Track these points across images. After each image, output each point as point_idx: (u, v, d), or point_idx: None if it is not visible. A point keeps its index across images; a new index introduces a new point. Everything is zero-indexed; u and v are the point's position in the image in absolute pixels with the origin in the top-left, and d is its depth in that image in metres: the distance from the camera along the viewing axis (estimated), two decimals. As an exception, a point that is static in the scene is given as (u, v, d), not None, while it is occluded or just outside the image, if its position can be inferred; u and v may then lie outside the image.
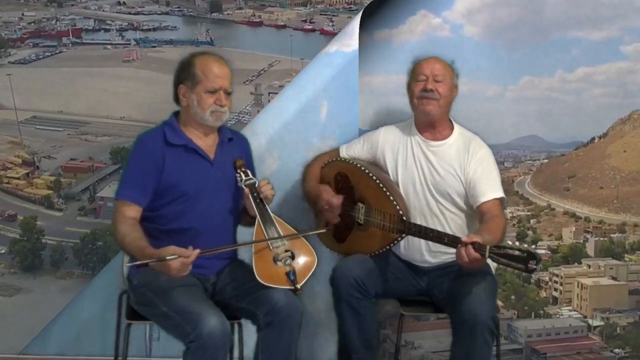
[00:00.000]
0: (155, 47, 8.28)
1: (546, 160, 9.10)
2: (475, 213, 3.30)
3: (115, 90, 7.94)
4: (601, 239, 8.75)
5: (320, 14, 8.78)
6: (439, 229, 3.23)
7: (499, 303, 8.58)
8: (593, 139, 9.21)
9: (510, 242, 3.02)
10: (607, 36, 6.61)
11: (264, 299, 3.08)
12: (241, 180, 3.22)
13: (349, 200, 3.52)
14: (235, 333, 3.13)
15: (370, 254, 3.44)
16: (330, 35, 9.41)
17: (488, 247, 2.88)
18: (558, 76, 7.40)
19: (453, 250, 3.11)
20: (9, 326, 6.15)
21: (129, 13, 8.39)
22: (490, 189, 3.30)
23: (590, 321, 8.30)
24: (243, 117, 7.64)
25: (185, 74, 3.26)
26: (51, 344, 4.69)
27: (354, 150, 3.62)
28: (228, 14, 7.80)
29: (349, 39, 4.71)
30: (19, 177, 7.39)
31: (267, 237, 3.12)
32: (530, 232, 8.83)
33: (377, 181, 3.40)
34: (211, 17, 8.07)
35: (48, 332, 4.69)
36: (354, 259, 3.43)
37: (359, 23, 4.72)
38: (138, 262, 2.89)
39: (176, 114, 3.33)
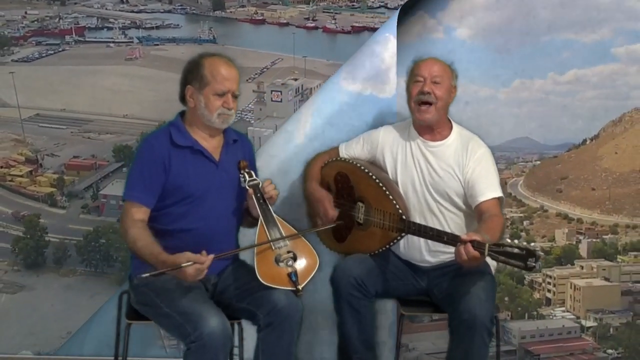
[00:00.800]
0: (157, 45, 8.28)
1: (538, 162, 9.13)
2: (474, 212, 3.31)
3: (118, 89, 7.93)
4: (594, 240, 8.78)
5: (323, 12, 8.78)
6: (438, 228, 3.24)
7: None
8: (585, 140, 9.24)
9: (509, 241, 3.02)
10: (599, 38, 6.63)
11: (265, 300, 3.08)
12: (245, 180, 3.22)
13: (349, 200, 3.53)
14: (235, 333, 3.12)
15: (370, 254, 3.44)
16: (332, 33, 9.41)
17: (487, 245, 2.89)
18: (550, 78, 7.42)
19: (452, 249, 3.12)
20: (12, 323, 6.13)
21: (132, 11, 8.38)
22: (489, 189, 3.31)
23: (583, 322, 8.33)
24: (245, 114, 7.64)
25: (193, 75, 3.24)
26: (87, 344, 4.67)
27: (354, 150, 3.63)
28: (231, 11, 7.79)
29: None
30: (22, 174, 7.40)
31: (269, 238, 3.12)
32: (523, 234, 8.87)
33: (377, 180, 3.41)
34: (214, 15, 8.06)
35: (84, 333, 4.67)
36: (354, 258, 3.43)
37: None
38: (155, 272, 2.88)
39: (181, 114, 3.32)
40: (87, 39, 8.25)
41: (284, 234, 3.15)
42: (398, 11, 4.42)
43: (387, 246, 3.39)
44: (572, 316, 8.49)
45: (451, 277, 3.26)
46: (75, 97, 7.85)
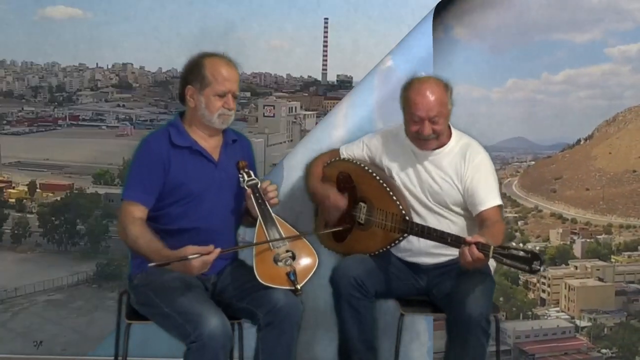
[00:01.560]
0: (150, 128, 8.37)
1: (533, 162, 9.17)
2: (475, 220, 3.32)
3: (105, 149, 8.02)
4: (588, 240, 8.81)
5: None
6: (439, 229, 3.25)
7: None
8: (579, 140, 9.29)
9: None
10: (591, 39, 6.66)
11: (264, 299, 3.08)
12: (244, 180, 3.21)
13: (351, 200, 3.54)
14: (235, 333, 3.13)
15: (370, 254, 3.45)
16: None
17: (492, 247, 2.90)
18: (543, 78, 7.45)
19: (451, 251, 3.13)
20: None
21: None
22: (489, 197, 3.30)
23: (577, 322, 8.35)
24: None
25: (193, 75, 3.23)
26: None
27: (354, 152, 3.63)
28: None
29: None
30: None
31: (268, 238, 3.13)
32: (517, 234, 8.89)
33: (380, 181, 3.41)
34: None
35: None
36: (354, 258, 3.43)
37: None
38: (160, 262, 2.88)
39: (180, 115, 3.33)
40: (80, 123, 8.39)
41: (282, 234, 3.14)
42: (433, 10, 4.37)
43: (388, 247, 3.39)
44: (567, 316, 8.51)
45: (450, 277, 3.26)
46: (62, 153, 7.94)
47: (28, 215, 7.56)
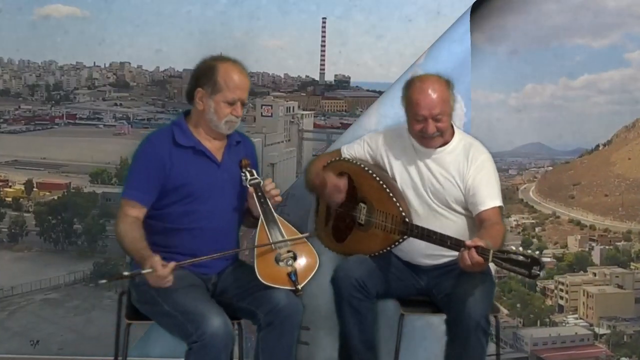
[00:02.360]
0: (147, 127, 8.39)
1: (550, 168, 9.07)
2: (475, 220, 3.24)
3: (105, 149, 8.05)
4: (607, 247, 8.71)
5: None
6: (440, 232, 3.17)
7: (504, 311, 8.54)
8: (597, 146, 9.19)
9: (514, 247, 2.94)
10: (610, 43, 6.55)
11: (265, 299, 3.03)
12: (246, 179, 3.16)
13: (351, 200, 3.47)
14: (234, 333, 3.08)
15: (371, 255, 3.38)
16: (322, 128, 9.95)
17: (492, 251, 2.83)
18: (562, 83, 7.37)
19: (451, 253, 3.05)
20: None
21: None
22: (489, 197, 3.22)
23: (596, 329, 8.25)
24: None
25: (206, 78, 3.18)
26: (153, 346, 4.63)
27: (355, 152, 3.56)
28: None
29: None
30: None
31: (270, 237, 3.07)
32: (535, 240, 8.79)
33: (380, 182, 3.34)
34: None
35: (151, 335, 4.62)
36: (355, 259, 3.36)
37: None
38: (113, 277, 2.90)
39: (185, 114, 3.29)
40: (77, 122, 8.42)
41: (284, 234, 3.08)
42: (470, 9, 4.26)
43: (389, 248, 3.31)
44: (585, 323, 8.41)
45: (450, 277, 3.18)
46: (59, 152, 7.96)
47: (25, 214, 7.57)
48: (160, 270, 2.81)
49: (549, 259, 8.41)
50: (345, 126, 9.99)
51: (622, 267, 8.66)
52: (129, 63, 8.89)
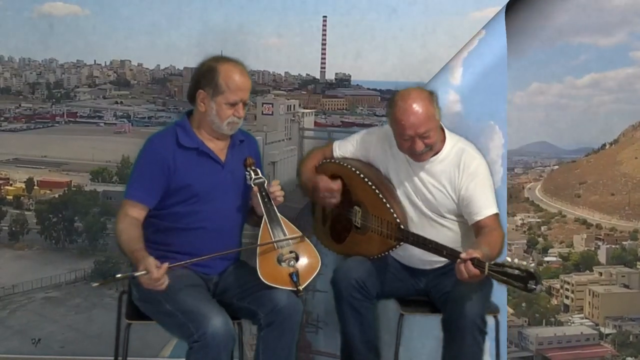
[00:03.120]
0: (148, 126, 8.38)
1: (556, 167, 9.04)
2: (472, 228, 3.20)
3: (105, 147, 8.05)
4: (613, 246, 8.67)
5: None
6: (435, 238, 3.14)
7: (510, 310, 8.50)
8: (604, 145, 9.15)
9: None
10: (616, 42, 6.50)
11: (266, 299, 3.01)
12: (250, 178, 3.14)
13: (346, 202, 3.43)
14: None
15: (370, 258, 3.35)
16: (322, 126, 9.96)
17: (487, 264, 2.79)
18: (567, 82, 7.33)
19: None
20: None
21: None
22: (484, 206, 3.16)
23: (602, 329, 8.21)
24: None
25: (207, 80, 3.15)
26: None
27: (347, 150, 3.50)
28: None
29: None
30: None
31: (272, 237, 3.06)
32: (540, 239, 8.76)
33: (373, 187, 3.29)
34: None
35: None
36: (354, 260, 3.33)
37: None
38: (106, 281, 2.87)
39: (187, 114, 3.26)
40: (78, 120, 8.42)
41: (287, 234, 3.06)
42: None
43: (386, 253, 3.29)
44: (591, 323, 8.37)
45: (448, 277, 3.15)
46: (59, 150, 7.97)
47: (26, 212, 7.56)
48: (155, 272, 2.78)
49: (554, 258, 8.40)
50: (346, 124, 9.98)
51: (628, 267, 8.62)
52: (130, 61, 8.90)
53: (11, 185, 7.69)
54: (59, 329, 6.71)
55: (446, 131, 3.25)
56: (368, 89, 10.43)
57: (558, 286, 8.51)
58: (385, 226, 3.20)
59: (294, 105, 9.24)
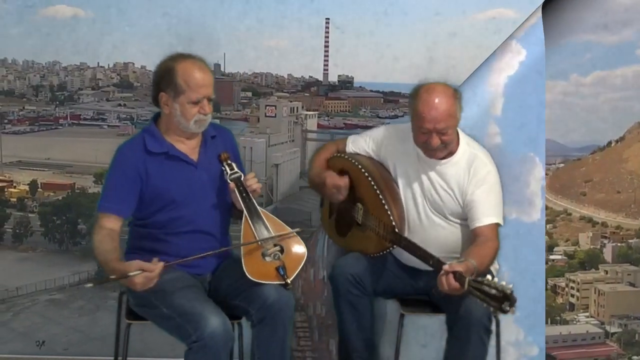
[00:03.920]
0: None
1: (562, 165, 9.04)
2: (471, 232, 3.22)
3: (109, 149, 8.10)
4: (619, 244, 8.66)
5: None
6: (435, 239, 3.16)
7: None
8: (610, 142, 9.17)
9: (490, 278, 2.81)
10: (621, 40, 6.47)
11: (255, 296, 3.00)
12: (226, 174, 3.13)
13: (350, 198, 3.46)
14: (234, 332, 3.07)
15: (367, 255, 3.38)
16: (325, 128, 9.94)
17: (468, 279, 2.81)
18: (572, 80, 7.31)
19: (447, 257, 3.05)
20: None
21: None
22: (485, 214, 3.17)
23: (607, 328, 8.20)
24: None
25: (166, 82, 3.10)
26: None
27: (360, 146, 3.53)
28: (226, 113, 7.92)
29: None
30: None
31: (254, 232, 3.05)
32: (546, 238, 8.74)
33: (375, 187, 3.31)
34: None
35: None
36: (352, 256, 3.35)
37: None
38: (100, 281, 2.84)
39: (154, 118, 3.23)
40: (81, 122, 8.50)
41: (270, 227, 3.03)
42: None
43: (382, 253, 3.32)
44: (596, 322, 8.35)
45: (448, 277, 3.17)
46: (63, 153, 8.03)
47: (29, 215, 7.62)
48: (151, 267, 2.78)
49: (560, 257, 8.40)
50: (349, 126, 10.00)
51: (634, 265, 8.62)
52: (133, 63, 8.98)
53: (15, 187, 7.77)
54: (63, 331, 6.75)
55: (461, 135, 3.26)
56: (371, 90, 10.46)
57: (563, 284, 8.53)
58: (382, 227, 3.21)
59: (297, 108, 9.29)
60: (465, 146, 3.27)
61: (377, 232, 3.25)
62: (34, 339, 5.91)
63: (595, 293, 8.44)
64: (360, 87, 9.77)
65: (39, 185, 7.50)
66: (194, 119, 3.04)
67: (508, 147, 3.69)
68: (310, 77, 9.37)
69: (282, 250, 3.00)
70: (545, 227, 7.65)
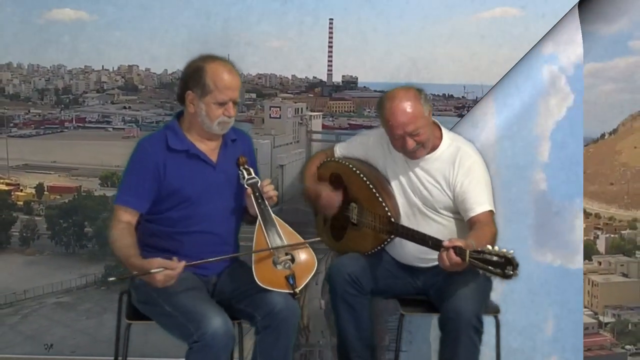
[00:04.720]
0: (156, 130, 8.48)
1: (555, 157, 9.08)
2: (466, 224, 3.30)
3: (114, 152, 8.12)
4: (612, 235, 8.73)
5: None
6: (429, 234, 3.24)
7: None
8: (603, 135, 9.22)
9: (490, 247, 2.88)
10: (616, 31, 6.59)
11: (263, 302, 3.06)
12: (243, 178, 3.17)
13: (344, 200, 3.55)
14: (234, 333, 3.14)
15: (364, 253, 3.46)
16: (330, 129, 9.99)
17: (468, 251, 2.88)
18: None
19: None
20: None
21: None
22: (478, 203, 3.25)
23: (601, 318, 8.27)
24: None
25: (194, 80, 3.17)
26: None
27: (347, 152, 3.62)
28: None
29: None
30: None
31: (267, 239, 3.11)
32: (539, 229, 8.80)
33: (367, 182, 3.40)
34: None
35: None
36: (349, 256, 3.43)
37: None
38: (122, 276, 2.90)
39: (177, 115, 3.30)
40: (86, 125, 8.52)
41: (282, 235, 3.09)
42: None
43: (379, 247, 3.40)
44: (590, 312, 8.44)
45: (445, 276, 3.25)
46: (69, 156, 8.07)
47: (36, 218, 7.65)
48: (174, 264, 2.83)
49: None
50: (354, 127, 10.03)
51: (627, 256, 8.68)
52: (137, 66, 8.98)
53: (21, 190, 7.80)
54: (71, 333, 6.78)
55: (443, 129, 3.36)
56: (375, 90, 10.50)
57: (558, 276, 8.59)
58: (378, 220, 3.29)
59: (302, 108, 9.30)
60: (448, 140, 3.36)
61: (374, 227, 3.32)
62: (42, 341, 5.95)
63: (588, 284, 8.52)
64: (364, 87, 9.83)
65: (45, 189, 7.55)
66: (218, 120, 3.11)
67: (552, 192, 3.80)
68: (314, 77, 9.45)
69: (292, 260, 3.08)
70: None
